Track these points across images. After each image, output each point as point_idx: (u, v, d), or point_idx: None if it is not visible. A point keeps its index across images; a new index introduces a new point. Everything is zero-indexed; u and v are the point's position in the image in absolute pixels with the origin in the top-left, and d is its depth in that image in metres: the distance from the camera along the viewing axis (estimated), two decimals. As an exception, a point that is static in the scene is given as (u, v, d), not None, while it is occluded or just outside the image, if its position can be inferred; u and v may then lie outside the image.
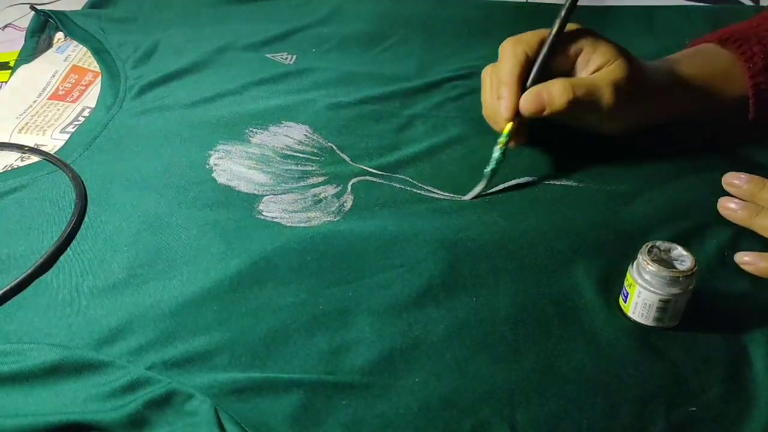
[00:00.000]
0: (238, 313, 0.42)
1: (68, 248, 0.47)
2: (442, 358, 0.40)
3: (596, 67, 0.51)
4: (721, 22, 0.59)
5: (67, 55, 0.70)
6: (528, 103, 0.50)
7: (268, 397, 0.38)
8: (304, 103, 0.61)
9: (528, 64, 0.52)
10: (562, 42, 0.52)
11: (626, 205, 0.50)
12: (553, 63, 0.52)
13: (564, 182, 0.53)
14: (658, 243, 0.42)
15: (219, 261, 0.45)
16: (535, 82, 0.51)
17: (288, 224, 0.49)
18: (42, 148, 0.57)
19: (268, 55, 0.69)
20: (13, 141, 0.59)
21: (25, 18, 0.77)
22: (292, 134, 0.58)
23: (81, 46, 0.71)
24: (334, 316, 0.42)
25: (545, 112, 0.50)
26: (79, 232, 0.48)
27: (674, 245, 0.42)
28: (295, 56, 0.69)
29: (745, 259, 0.46)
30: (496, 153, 0.51)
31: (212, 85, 0.64)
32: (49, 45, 0.73)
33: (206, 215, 0.49)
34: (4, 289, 0.44)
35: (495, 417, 0.37)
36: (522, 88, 0.51)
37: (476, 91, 0.56)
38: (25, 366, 0.39)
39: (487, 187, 0.52)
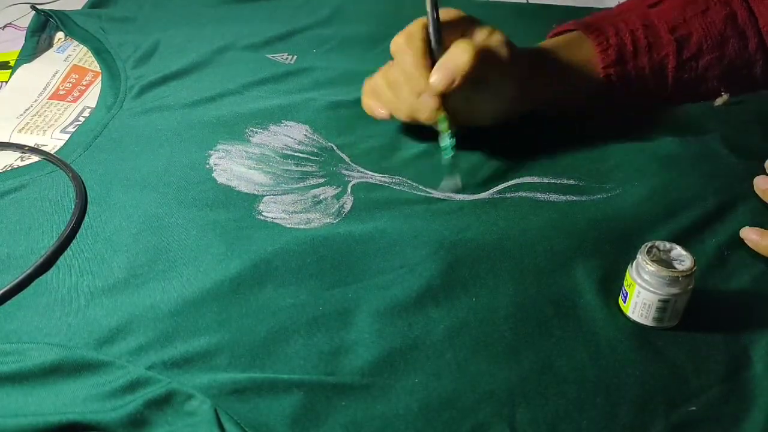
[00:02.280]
0: (238, 314, 0.42)
1: (68, 248, 0.47)
2: (441, 359, 0.40)
3: (480, 39, 0.52)
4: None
5: (67, 54, 0.70)
6: (438, 79, 0.50)
7: (268, 398, 0.38)
8: (305, 102, 0.61)
9: (428, 52, 0.52)
10: (447, 24, 0.52)
11: (626, 205, 0.50)
12: (445, 45, 0.52)
13: (564, 181, 0.53)
14: (658, 243, 0.42)
15: (219, 262, 0.45)
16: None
17: (288, 225, 0.49)
18: (42, 148, 0.57)
19: (268, 56, 0.69)
20: (14, 141, 0.59)
21: (26, 18, 0.77)
22: (292, 134, 0.58)
23: (81, 45, 0.71)
24: (334, 317, 0.42)
25: (457, 80, 0.49)
26: (79, 232, 0.48)
27: (674, 245, 0.42)
28: (295, 57, 0.69)
29: (752, 237, 0.46)
30: (447, 141, 0.52)
31: (212, 85, 0.64)
32: (50, 45, 0.73)
33: (206, 215, 0.49)
34: (4, 289, 0.44)
35: (495, 417, 0.37)
36: None
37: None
38: (25, 366, 0.39)
39: (461, 177, 0.52)
